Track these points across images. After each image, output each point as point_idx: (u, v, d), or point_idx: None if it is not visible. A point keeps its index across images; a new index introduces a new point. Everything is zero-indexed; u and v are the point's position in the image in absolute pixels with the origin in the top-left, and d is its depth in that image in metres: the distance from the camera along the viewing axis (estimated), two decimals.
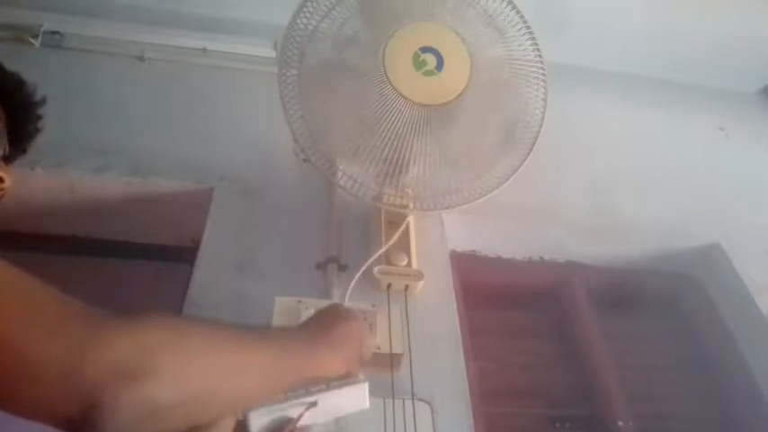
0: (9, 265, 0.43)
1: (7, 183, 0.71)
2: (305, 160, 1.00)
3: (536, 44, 1.02)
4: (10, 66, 0.75)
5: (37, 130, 0.78)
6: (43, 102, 0.76)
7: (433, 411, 0.87)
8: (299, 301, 0.91)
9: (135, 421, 0.42)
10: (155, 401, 0.43)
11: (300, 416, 0.65)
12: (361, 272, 0.99)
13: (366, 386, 0.70)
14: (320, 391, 0.66)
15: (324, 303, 0.92)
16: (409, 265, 1.03)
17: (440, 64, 0.95)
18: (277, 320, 0.87)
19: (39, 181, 1.12)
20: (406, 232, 1.08)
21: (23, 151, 0.78)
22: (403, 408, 0.85)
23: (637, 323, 1.35)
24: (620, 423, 1.10)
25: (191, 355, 0.47)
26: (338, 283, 1.01)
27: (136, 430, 0.43)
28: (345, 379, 0.69)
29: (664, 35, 1.73)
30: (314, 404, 0.65)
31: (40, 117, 0.77)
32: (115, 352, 0.41)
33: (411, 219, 1.10)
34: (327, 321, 0.67)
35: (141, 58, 1.41)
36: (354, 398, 0.69)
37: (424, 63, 0.95)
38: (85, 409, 0.40)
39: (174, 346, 0.45)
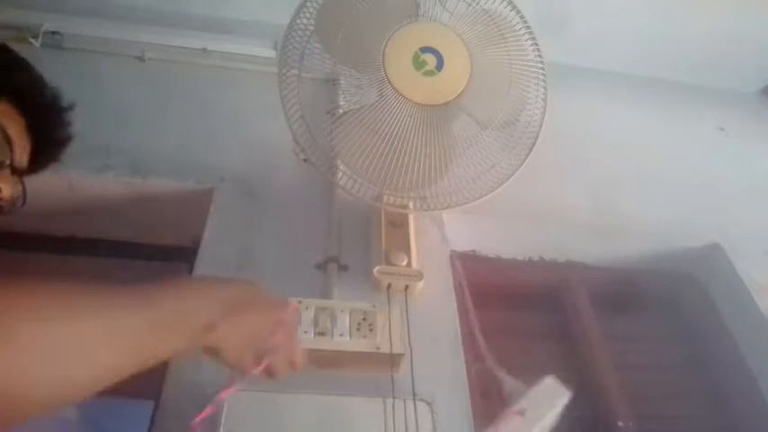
0: None
1: (5, 193, 0.65)
2: (305, 160, 1.00)
3: (536, 44, 1.02)
4: None
5: (68, 138, 0.72)
6: (70, 107, 0.71)
7: (432, 411, 0.87)
8: (299, 301, 0.91)
9: None
10: None
11: None
12: None
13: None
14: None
15: (324, 303, 0.92)
16: (409, 265, 1.03)
17: (440, 64, 0.95)
18: None
19: (39, 181, 1.12)
20: (406, 231, 1.08)
21: (54, 160, 0.73)
22: (403, 408, 0.85)
23: (637, 323, 1.35)
24: (620, 423, 1.10)
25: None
26: (338, 283, 1.01)
27: None
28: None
29: (664, 35, 1.73)
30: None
31: (66, 123, 0.71)
32: None
33: (411, 219, 1.10)
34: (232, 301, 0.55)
35: (141, 58, 1.41)
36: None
37: (424, 63, 0.95)
38: None
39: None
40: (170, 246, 1.25)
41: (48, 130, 0.70)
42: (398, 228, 1.07)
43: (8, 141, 0.63)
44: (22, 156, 0.67)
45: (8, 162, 0.64)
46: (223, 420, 0.80)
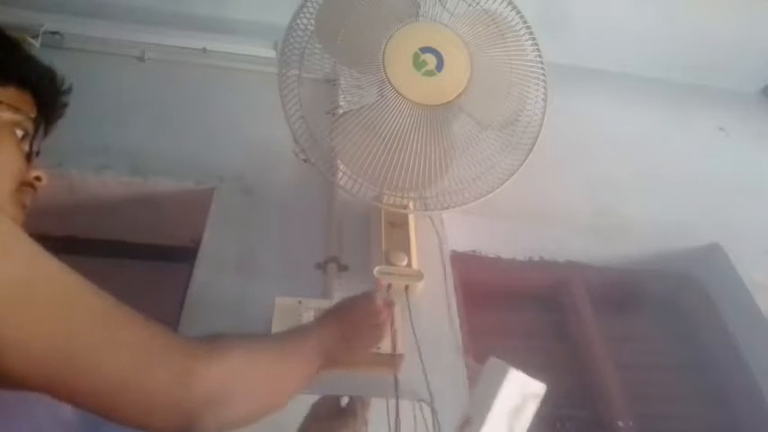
0: (116, 303, 0.51)
1: (44, 181, 0.68)
2: (305, 160, 1.00)
3: (536, 44, 1.02)
4: None
5: (60, 117, 0.75)
6: (70, 89, 0.74)
7: (433, 411, 0.87)
8: (299, 302, 0.91)
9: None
10: (230, 419, 0.55)
11: None
12: None
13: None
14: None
15: (324, 303, 0.92)
16: (409, 265, 1.03)
17: (440, 64, 0.95)
18: (277, 320, 0.87)
19: None
20: (406, 231, 1.08)
21: (45, 136, 0.75)
22: (403, 408, 0.85)
23: (637, 323, 1.35)
24: (620, 423, 1.10)
25: (256, 379, 0.59)
26: (338, 283, 1.01)
27: None
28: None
29: (664, 35, 1.73)
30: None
31: (66, 105, 0.74)
32: (206, 383, 0.51)
33: (411, 219, 1.10)
34: (330, 318, 0.75)
35: (141, 58, 1.41)
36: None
37: (424, 63, 0.95)
38: (182, 428, 0.51)
39: (245, 375, 0.57)
40: (170, 246, 1.24)
41: (52, 116, 0.72)
42: (398, 228, 1.07)
43: (36, 130, 0.66)
44: None
45: (36, 149, 0.66)
46: None
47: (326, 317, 0.76)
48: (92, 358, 0.47)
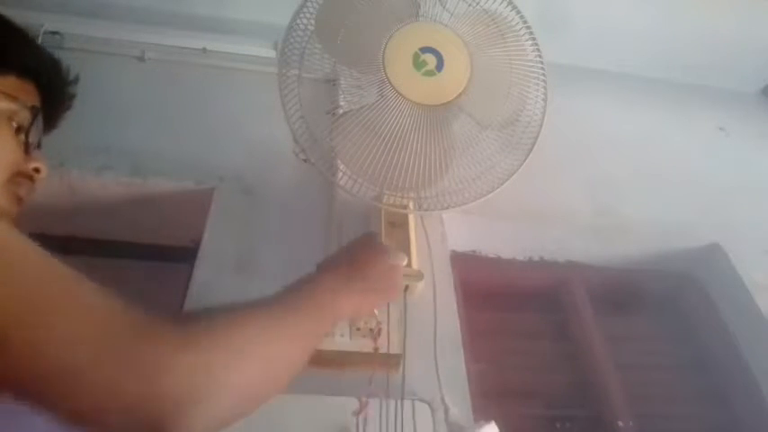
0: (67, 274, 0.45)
1: (44, 173, 0.66)
2: (305, 160, 1.00)
3: (536, 44, 1.02)
4: None
5: (68, 108, 0.75)
6: (77, 80, 0.73)
7: (433, 411, 0.87)
8: None
9: None
10: (217, 416, 0.44)
11: None
12: None
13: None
14: None
15: None
16: (409, 265, 1.03)
17: (440, 64, 0.95)
18: None
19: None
20: (406, 231, 1.08)
21: (53, 127, 0.74)
22: (403, 408, 0.85)
23: (637, 323, 1.35)
24: (620, 423, 1.10)
25: (244, 366, 0.47)
26: None
27: None
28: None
29: (664, 35, 1.73)
30: None
31: (73, 96, 0.73)
32: (178, 377, 0.41)
33: (411, 219, 1.10)
34: (348, 263, 0.70)
35: (141, 58, 1.41)
36: None
37: (424, 63, 0.95)
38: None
39: (228, 363, 0.46)
40: (170, 246, 1.25)
41: (59, 107, 0.71)
42: (398, 228, 1.07)
43: (34, 120, 0.65)
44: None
45: (38, 139, 0.65)
46: None
47: (329, 262, 0.71)
48: (30, 320, 0.40)
